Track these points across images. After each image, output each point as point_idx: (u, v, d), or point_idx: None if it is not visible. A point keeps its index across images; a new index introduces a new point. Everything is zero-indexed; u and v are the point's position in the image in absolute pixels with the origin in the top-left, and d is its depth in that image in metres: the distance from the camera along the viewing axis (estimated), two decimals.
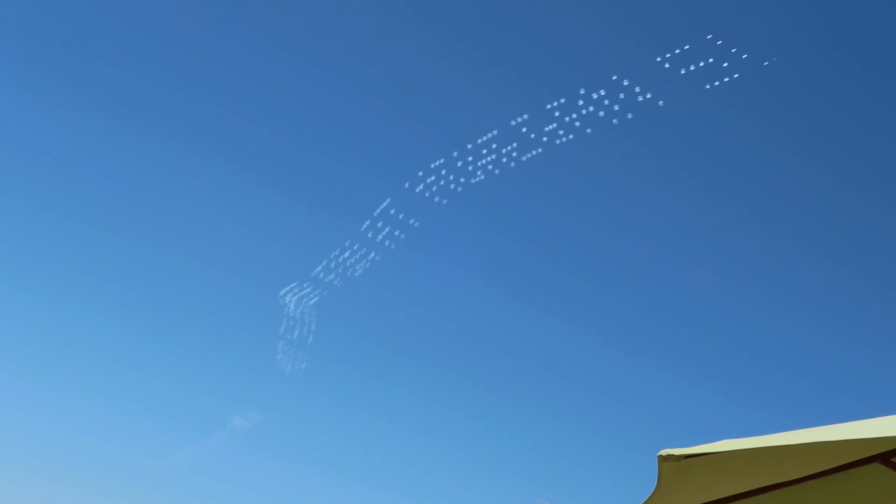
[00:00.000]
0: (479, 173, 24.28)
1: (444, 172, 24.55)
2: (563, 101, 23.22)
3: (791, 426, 3.36)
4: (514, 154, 23.91)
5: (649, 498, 3.67)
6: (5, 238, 28.00)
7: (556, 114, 23.27)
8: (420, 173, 25.06)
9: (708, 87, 22.27)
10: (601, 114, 22.88)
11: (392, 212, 25.41)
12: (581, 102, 22.97)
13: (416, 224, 25.71)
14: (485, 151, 24.04)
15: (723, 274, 28.18)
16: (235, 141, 29.22)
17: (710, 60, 21.70)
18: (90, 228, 29.05)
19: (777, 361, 28.04)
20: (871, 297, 26.51)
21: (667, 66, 22.07)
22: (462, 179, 24.61)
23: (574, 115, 23.04)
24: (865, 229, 26.47)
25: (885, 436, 3.67)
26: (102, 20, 28.15)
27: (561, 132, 23.28)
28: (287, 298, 26.58)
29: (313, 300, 26.25)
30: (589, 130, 23.34)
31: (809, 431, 3.31)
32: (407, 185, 25.48)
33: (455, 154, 24.62)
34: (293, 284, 26.66)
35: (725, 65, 21.72)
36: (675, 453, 3.30)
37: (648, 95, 22.69)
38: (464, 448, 28.25)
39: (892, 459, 3.95)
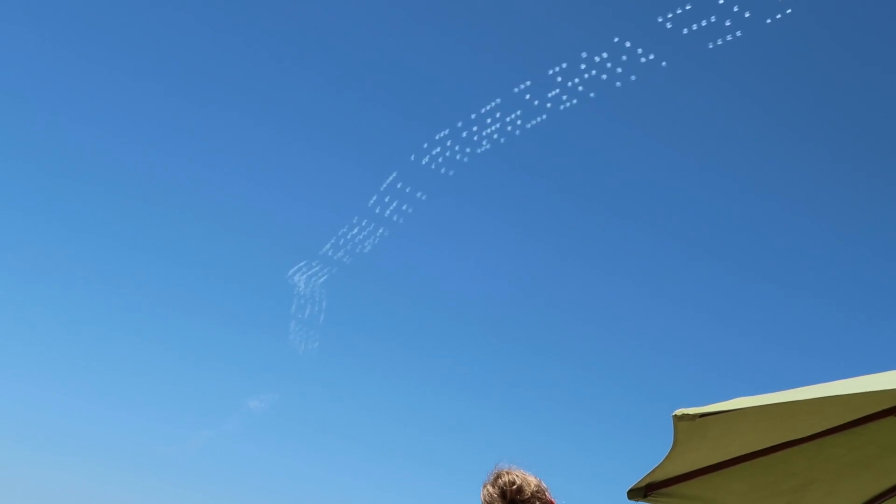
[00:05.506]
0: (484, 143, 24.24)
1: (449, 143, 24.53)
2: (564, 65, 23.14)
3: (803, 382, 3.39)
4: (519, 122, 23.85)
5: (666, 458, 3.70)
6: (24, 220, 28.16)
7: (559, 79, 23.19)
8: (425, 145, 25.05)
9: (711, 46, 22.13)
10: (604, 77, 22.80)
11: (399, 185, 25.41)
12: (583, 66, 22.89)
13: (424, 197, 25.74)
14: (489, 121, 23.98)
15: (729, 233, 28.05)
16: (239, 122, 29.25)
17: (713, 19, 21.54)
18: (101, 216, 29.15)
19: (788, 318, 27.94)
20: (882, 259, 26.36)
21: (669, 26, 21.91)
22: (468, 150, 24.59)
23: (577, 80, 22.96)
24: (871, 188, 26.29)
25: None
26: (90, 16, 28.13)
27: (564, 97, 23.21)
28: (296, 278, 26.67)
29: (322, 278, 26.33)
30: (592, 94, 23.28)
31: (823, 386, 3.34)
32: (413, 157, 25.49)
33: (459, 125, 24.58)
34: (302, 263, 26.75)
35: (728, 23, 21.58)
36: (690, 412, 3.34)
37: (651, 57, 22.58)
38: (481, 417, 28.35)
39: None
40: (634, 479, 4.02)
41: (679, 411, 3.35)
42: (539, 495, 3.21)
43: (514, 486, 3.19)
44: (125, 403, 28.44)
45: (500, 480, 3.23)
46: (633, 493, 4.04)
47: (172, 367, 29.38)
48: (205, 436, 27.78)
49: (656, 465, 3.83)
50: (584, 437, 27.87)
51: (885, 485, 4.46)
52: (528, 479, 3.25)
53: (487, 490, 3.24)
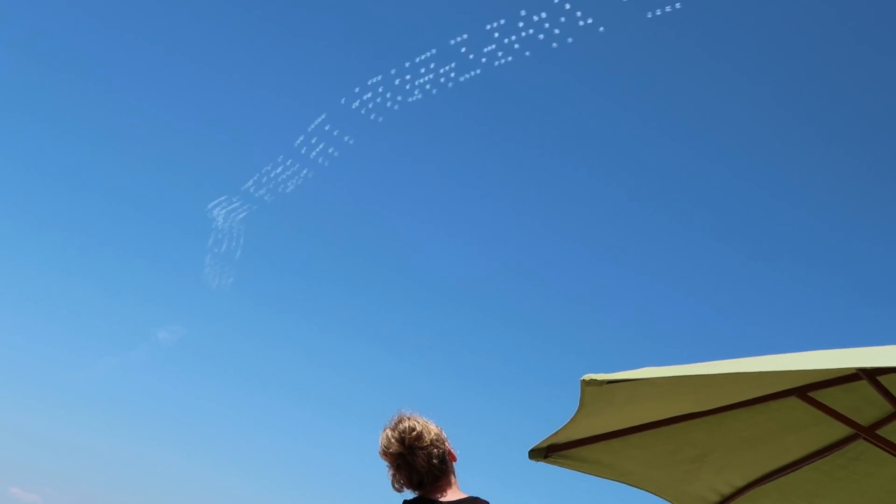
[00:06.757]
0: (416, 92, 24.04)
1: (381, 90, 24.24)
2: (503, 22, 23.01)
3: (710, 357, 3.40)
4: (453, 74, 23.71)
5: (570, 421, 3.71)
6: None
7: (496, 35, 23.07)
8: (357, 89, 24.71)
9: (650, 15, 22.21)
10: (541, 37, 22.74)
11: (327, 128, 25.05)
12: (521, 24, 22.80)
13: (351, 141, 25.44)
14: (423, 70, 23.79)
15: (653, 201, 28.40)
16: (171, 51, 28.42)
17: None
18: (17, 137, 28.10)
19: (699, 295, 28.46)
20: (806, 238, 26.99)
21: None
22: (399, 98, 24.35)
23: (514, 37, 22.87)
24: (807, 157, 26.79)
25: (803, 369, 3.74)
26: None
27: (500, 54, 23.11)
28: (215, 212, 26.20)
29: (242, 215, 25.93)
30: (528, 53, 23.21)
31: (730, 362, 3.36)
32: (343, 100, 25.13)
33: (393, 72, 24.30)
34: (223, 198, 26.25)
35: None
36: (598, 378, 3.33)
37: (590, 20, 22.58)
38: (390, 365, 28.47)
39: (808, 394, 4.03)
40: (536, 439, 4.04)
41: (587, 376, 3.34)
42: (438, 444, 3.21)
43: (414, 433, 3.19)
44: (26, 325, 27.72)
45: (400, 425, 3.22)
46: (534, 454, 4.05)
47: (78, 292, 28.60)
48: (111, 363, 27.32)
49: (559, 427, 3.83)
50: (492, 394, 28.19)
51: (781, 461, 4.55)
52: (429, 427, 3.24)
53: (387, 434, 3.23)
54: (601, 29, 22.95)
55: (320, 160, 25.32)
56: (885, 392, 3.83)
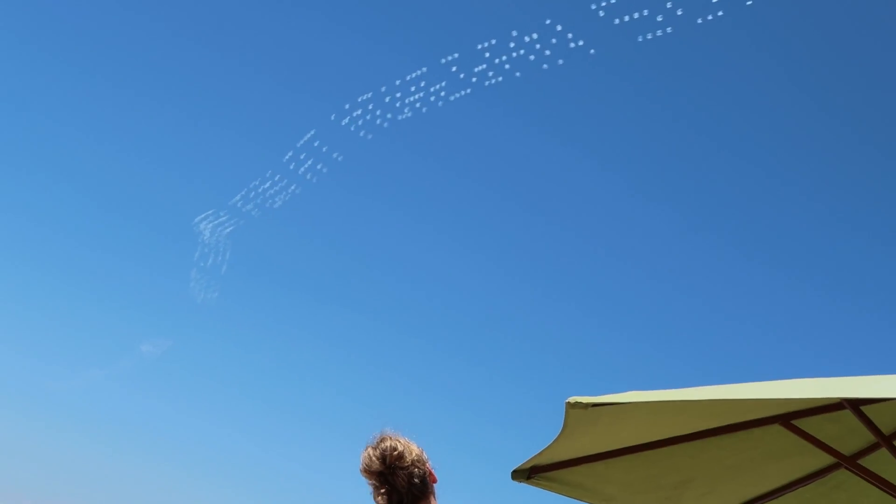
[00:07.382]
0: (406, 110, 24.03)
1: (371, 107, 24.19)
2: (494, 41, 23.04)
3: (701, 374, 3.41)
4: (443, 93, 23.73)
5: (553, 442, 3.71)
6: None
7: (487, 55, 23.08)
8: (347, 106, 24.66)
9: (640, 39, 22.26)
10: (532, 58, 22.80)
11: (316, 144, 25.00)
12: (512, 45, 22.84)
13: (340, 158, 25.41)
14: (413, 88, 23.78)
15: (644, 217, 28.41)
16: (158, 60, 28.38)
17: (645, 13, 21.66)
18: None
19: (694, 304, 28.50)
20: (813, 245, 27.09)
21: (601, 14, 21.97)
22: (389, 115, 24.32)
23: (504, 57, 22.90)
24: (808, 168, 26.94)
25: (787, 398, 3.75)
26: None
27: (490, 73, 23.14)
28: (202, 225, 26.09)
29: (229, 229, 25.86)
30: (518, 74, 23.27)
31: (714, 389, 3.36)
32: (333, 117, 25.07)
33: (383, 89, 24.27)
34: (210, 211, 26.16)
35: (659, 18, 21.75)
36: (583, 401, 3.34)
37: (580, 43, 22.61)
38: (374, 388, 28.37)
39: (792, 422, 4.03)
40: (519, 459, 4.03)
41: (572, 399, 3.34)
42: (419, 464, 3.21)
43: (396, 452, 3.18)
44: (9, 336, 27.34)
45: (382, 444, 3.22)
46: (517, 475, 4.04)
47: (62, 303, 28.32)
48: (94, 375, 27.09)
49: (543, 447, 3.83)
50: (476, 411, 28.13)
51: (762, 489, 4.56)
52: (411, 448, 3.24)
53: (368, 453, 3.23)
54: (592, 51, 23.04)
55: (308, 176, 25.28)
56: (868, 422, 3.84)
